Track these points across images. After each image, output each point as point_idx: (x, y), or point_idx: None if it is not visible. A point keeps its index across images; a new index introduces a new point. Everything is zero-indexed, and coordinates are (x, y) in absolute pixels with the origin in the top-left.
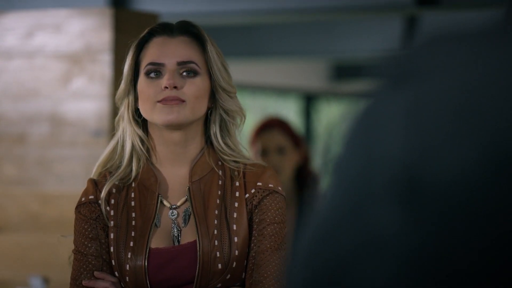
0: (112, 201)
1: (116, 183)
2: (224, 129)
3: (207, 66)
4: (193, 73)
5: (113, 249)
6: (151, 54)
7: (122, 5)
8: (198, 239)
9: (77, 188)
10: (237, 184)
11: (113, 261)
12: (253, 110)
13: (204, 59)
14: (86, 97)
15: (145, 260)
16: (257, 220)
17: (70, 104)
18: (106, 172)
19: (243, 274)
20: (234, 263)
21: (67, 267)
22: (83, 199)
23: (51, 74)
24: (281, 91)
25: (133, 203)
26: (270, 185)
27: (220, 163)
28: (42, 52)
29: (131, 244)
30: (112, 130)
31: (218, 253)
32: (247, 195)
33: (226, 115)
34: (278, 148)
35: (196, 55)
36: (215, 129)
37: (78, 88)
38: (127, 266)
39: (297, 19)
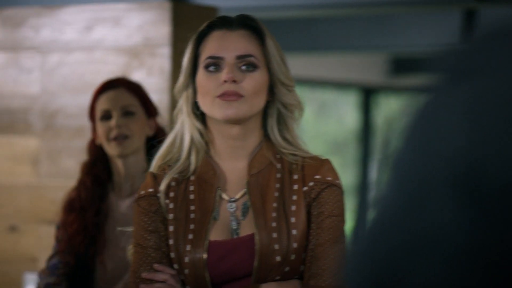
0: (171, 194)
1: (175, 176)
2: (282, 122)
3: (266, 60)
4: (252, 67)
5: (172, 241)
6: (210, 47)
7: None
8: (256, 231)
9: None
10: (295, 177)
11: (172, 253)
12: (311, 105)
13: (263, 53)
14: None
15: (204, 253)
16: (315, 213)
17: None
18: (165, 166)
19: (302, 267)
20: (293, 256)
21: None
22: (142, 192)
23: (110, 67)
24: (339, 85)
25: (192, 196)
26: (328, 178)
27: (278, 156)
28: (101, 46)
29: (190, 237)
30: (171, 123)
31: (276, 245)
32: (305, 188)
33: (284, 109)
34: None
35: (255, 48)
36: (272, 122)
37: (137, 81)
38: (186, 258)
39: (357, 13)
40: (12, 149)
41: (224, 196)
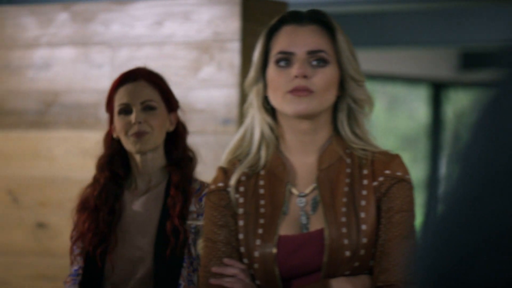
0: (241, 189)
1: (245, 170)
2: (352, 117)
3: (337, 55)
4: (323, 62)
5: (242, 236)
6: (281, 42)
7: None
8: (326, 226)
9: (205, 175)
10: (365, 172)
11: (242, 248)
12: (382, 100)
13: (333, 48)
14: (215, 85)
15: (274, 247)
16: (385, 208)
17: (199, 92)
18: (235, 160)
19: (371, 262)
20: (362, 251)
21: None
22: (212, 186)
23: (180, 62)
24: (410, 80)
25: (262, 191)
26: (398, 173)
27: (348, 151)
28: (171, 41)
29: (260, 231)
30: (241, 118)
31: (346, 240)
32: (375, 183)
33: (354, 104)
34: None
35: (326, 44)
36: (342, 117)
37: (207, 76)
38: (256, 253)
39: (427, 7)
40: (83, 144)
41: (294, 190)
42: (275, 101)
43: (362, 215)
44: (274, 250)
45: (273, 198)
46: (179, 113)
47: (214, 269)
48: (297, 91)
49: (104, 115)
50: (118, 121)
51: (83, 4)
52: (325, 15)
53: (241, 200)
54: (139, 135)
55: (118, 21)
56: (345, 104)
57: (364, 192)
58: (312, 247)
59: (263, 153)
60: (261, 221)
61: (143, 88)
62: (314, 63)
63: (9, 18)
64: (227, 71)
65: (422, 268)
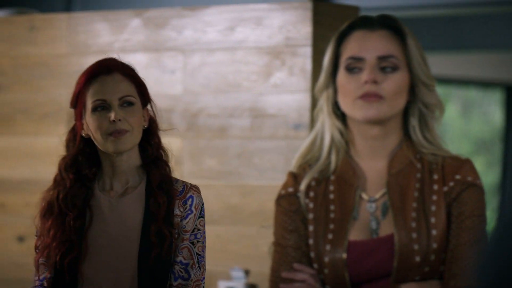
0: (311, 194)
1: (316, 175)
2: (423, 122)
3: (407, 60)
4: (393, 67)
5: (312, 241)
6: (351, 48)
7: None
8: (395, 232)
9: (277, 180)
10: (436, 177)
11: (312, 253)
12: (456, 104)
13: (404, 54)
14: (286, 90)
15: (344, 252)
16: (455, 213)
17: (270, 97)
18: (305, 165)
19: (442, 267)
20: (432, 256)
21: (267, 259)
22: (282, 191)
23: (252, 67)
24: (484, 84)
25: (332, 196)
26: (468, 178)
27: (418, 156)
28: (243, 46)
29: (330, 236)
30: (312, 123)
31: (416, 245)
32: (445, 188)
33: (425, 109)
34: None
35: (396, 49)
36: (414, 122)
37: (279, 81)
38: (326, 258)
39: (502, 11)
40: None
41: (364, 195)
42: (345, 106)
43: (432, 220)
44: (344, 255)
45: (343, 203)
46: (149, 107)
47: (284, 274)
48: (367, 97)
49: (178, 121)
50: (92, 118)
51: (155, 10)
52: (395, 20)
53: (311, 205)
54: (118, 134)
55: (190, 26)
56: (416, 109)
57: (435, 197)
58: (382, 252)
59: (333, 158)
60: (331, 226)
61: (119, 82)
62: (385, 68)
63: (82, 24)
64: (299, 76)
65: (489, 274)
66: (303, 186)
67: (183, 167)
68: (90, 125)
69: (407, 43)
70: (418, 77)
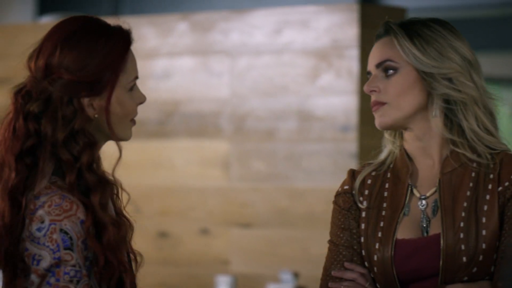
0: (366, 192)
1: (373, 174)
2: (472, 118)
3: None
4: (392, 70)
5: (363, 239)
6: (369, 62)
7: (369, 0)
8: (443, 231)
9: (325, 183)
10: (491, 176)
11: (363, 251)
12: (506, 104)
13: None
14: (333, 93)
15: (391, 250)
16: (509, 213)
17: (318, 100)
18: (366, 163)
19: (492, 268)
20: (481, 257)
21: (315, 261)
22: (339, 189)
23: (299, 70)
24: None
25: (385, 194)
26: None
27: (474, 155)
28: (290, 49)
29: (379, 234)
30: (360, 125)
31: (463, 246)
32: (500, 188)
33: (444, 103)
34: None
35: (391, 51)
36: (462, 120)
37: (326, 84)
38: (375, 256)
39: None
40: (203, 153)
41: (415, 192)
42: None
43: (483, 220)
44: (391, 254)
45: (394, 200)
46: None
47: (334, 273)
48: (372, 107)
49: (225, 125)
50: (127, 99)
51: (202, 14)
52: (389, 23)
53: (364, 203)
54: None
55: (237, 29)
56: (436, 105)
57: (488, 197)
58: (429, 251)
59: (389, 156)
60: (381, 224)
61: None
62: (386, 73)
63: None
64: (346, 78)
65: None
66: (357, 183)
67: (230, 171)
68: (126, 107)
69: (397, 41)
70: (422, 70)
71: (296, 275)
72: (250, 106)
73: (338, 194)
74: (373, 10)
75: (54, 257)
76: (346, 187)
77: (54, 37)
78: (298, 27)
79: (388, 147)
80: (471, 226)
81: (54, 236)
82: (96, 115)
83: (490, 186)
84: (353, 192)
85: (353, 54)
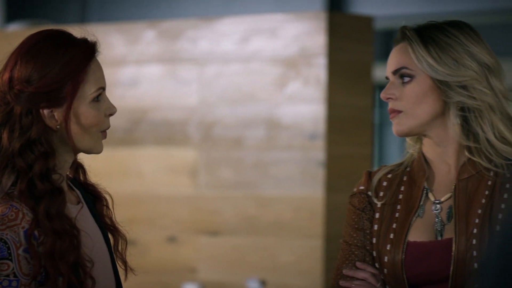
0: (381, 194)
1: (389, 176)
2: (487, 125)
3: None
4: (408, 77)
5: (375, 240)
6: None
7: (337, 8)
8: (455, 236)
9: (293, 191)
10: (508, 186)
11: (374, 252)
12: None
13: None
14: (301, 101)
15: (402, 253)
16: None
17: (286, 108)
18: (383, 166)
19: None
20: None
21: (283, 270)
22: (355, 190)
23: (267, 78)
24: None
25: (400, 196)
26: None
27: (492, 164)
28: (258, 57)
29: (391, 236)
30: (328, 133)
31: (475, 252)
32: None
33: (460, 111)
34: None
35: (407, 58)
36: (477, 127)
37: (294, 92)
38: (386, 258)
39: None
40: (171, 161)
41: (430, 196)
42: None
43: (498, 228)
44: (402, 256)
45: (408, 202)
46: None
47: (345, 271)
48: (389, 114)
49: (193, 133)
50: (91, 110)
51: (170, 21)
52: (404, 29)
53: (379, 204)
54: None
55: (205, 37)
56: (452, 113)
57: (503, 206)
58: (440, 256)
59: (406, 159)
60: (394, 225)
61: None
62: (402, 80)
63: (97, 36)
64: (314, 86)
65: (491, 274)
66: (374, 184)
67: (198, 179)
68: (89, 118)
69: (412, 48)
70: (436, 78)
71: (263, 283)
72: (218, 114)
73: (353, 195)
74: (341, 18)
75: None
76: (361, 187)
77: (17, 51)
78: (266, 35)
79: (409, 151)
80: (484, 233)
81: None
82: (58, 126)
83: (505, 196)
84: (369, 192)
85: (321, 62)
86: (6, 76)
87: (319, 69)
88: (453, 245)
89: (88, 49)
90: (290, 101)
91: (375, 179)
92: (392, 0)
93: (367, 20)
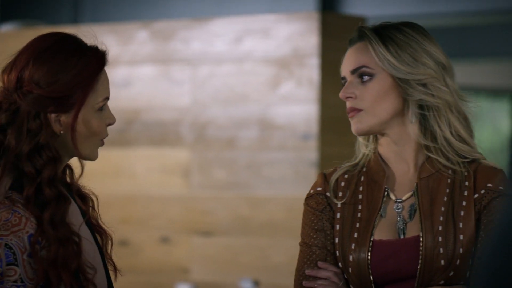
0: (340, 194)
1: (345, 176)
2: (444, 124)
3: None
4: (367, 76)
5: (338, 240)
6: (342, 69)
7: (329, 8)
8: (422, 234)
9: (286, 191)
10: (467, 183)
11: (337, 252)
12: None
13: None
14: (294, 101)
15: (368, 252)
16: (485, 221)
17: (278, 108)
18: (337, 166)
19: (468, 273)
20: (458, 261)
21: (276, 270)
22: (311, 191)
23: (260, 78)
24: (492, 93)
25: (360, 196)
26: (500, 187)
27: (450, 162)
28: (251, 57)
29: (355, 235)
30: (321, 133)
31: (441, 249)
32: (476, 195)
33: (420, 109)
34: None
35: (367, 57)
36: (435, 126)
37: (287, 92)
38: (351, 257)
39: (509, 20)
40: (164, 161)
41: (392, 196)
42: None
43: (460, 225)
44: (368, 255)
45: (370, 202)
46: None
47: (308, 272)
48: (348, 113)
49: (186, 133)
50: (95, 118)
51: (162, 22)
52: (363, 28)
53: (339, 204)
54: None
55: (198, 38)
56: (411, 111)
57: (464, 203)
58: (407, 253)
59: (361, 159)
60: (357, 225)
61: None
62: (361, 79)
63: (90, 36)
64: (307, 87)
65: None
66: (331, 184)
67: (191, 179)
68: (94, 126)
69: (372, 47)
70: (397, 76)
71: (256, 283)
72: (211, 115)
73: (310, 196)
74: (333, 18)
75: None
76: (318, 188)
77: (29, 51)
78: (259, 35)
79: (362, 151)
80: (449, 230)
81: None
82: (62, 132)
83: (466, 193)
84: (327, 193)
85: (314, 62)
86: (13, 75)
87: (312, 69)
88: (421, 243)
89: (100, 59)
90: (283, 102)
91: (333, 180)
92: (385, 0)
93: (360, 21)
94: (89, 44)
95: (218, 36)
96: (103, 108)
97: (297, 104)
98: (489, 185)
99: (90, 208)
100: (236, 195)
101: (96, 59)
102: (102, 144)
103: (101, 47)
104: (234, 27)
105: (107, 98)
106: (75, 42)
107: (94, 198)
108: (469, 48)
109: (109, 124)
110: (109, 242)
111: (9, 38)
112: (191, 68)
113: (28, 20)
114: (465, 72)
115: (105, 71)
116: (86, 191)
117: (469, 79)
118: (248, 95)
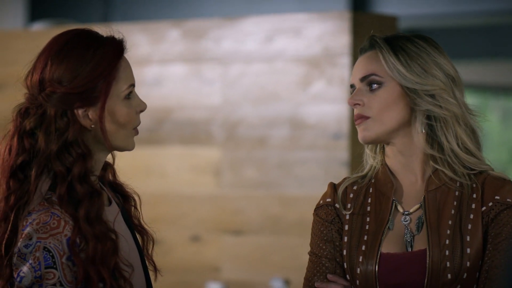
0: (349, 205)
1: (354, 188)
2: (452, 135)
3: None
4: (376, 84)
5: (346, 252)
6: (352, 76)
7: (361, 8)
8: (429, 247)
9: (316, 190)
10: (474, 196)
11: (345, 264)
12: (496, 112)
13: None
14: (325, 100)
15: (376, 264)
16: (492, 234)
17: (309, 107)
18: (346, 177)
19: (475, 286)
20: (465, 275)
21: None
22: (321, 201)
23: (291, 77)
24: None
25: (368, 208)
26: (508, 200)
27: (458, 174)
28: (282, 56)
29: (363, 248)
30: (352, 133)
31: (448, 263)
32: (483, 208)
33: (427, 120)
34: None
35: (377, 66)
36: (442, 137)
37: (317, 92)
38: (358, 269)
39: None
40: (195, 160)
41: (399, 208)
42: None
43: (468, 238)
44: (375, 268)
45: (378, 215)
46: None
47: (317, 284)
48: (355, 121)
49: (217, 132)
50: (124, 107)
51: (194, 21)
52: (375, 37)
53: (347, 216)
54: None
55: (229, 37)
56: (419, 121)
57: (472, 216)
58: (414, 267)
59: (370, 170)
60: (365, 237)
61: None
62: (370, 87)
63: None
64: (338, 86)
65: None
66: (339, 196)
67: (222, 178)
68: (123, 115)
69: (382, 56)
70: (406, 86)
71: (287, 282)
72: (242, 114)
73: (319, 206)
74: (365, 18)
75: (35, 275)
76: (328, 199)
77: (46, 52)
78: (290, 34)
79: (369, 162)
80: (456, 243)
81: (37, 254)
82: (92, 126)
83: (473, 206)
84: (336, 205)
85: (345, 62)
86: (36, 78)
87: (342, 69)
88: (427, 256)
89: (117, 47)
90: (314, 101)
91: (340, 191)
92: None
93: (391, 20)
94: (104, 35)
95: (249, 35)
96: (130, 96)
97: (328, 104)
98: (497, 197)
99: (132, 208)
100: (266, 194)
101: (113, 48)
102: (136, 132)
103: (117, 35)
104: (265, 26)
105: (133, 85)
106: (89, 36)
107: (136, 198)
108: (501, 47)
109: (141, 111)
110: (150, 242)
111: (40, 37)
112: (222, 67)
113: (59, 19)
114: (496, 72)
115: (125, 58)
116: (129, 190)
117: (500, 78)
118: (279, 94)
